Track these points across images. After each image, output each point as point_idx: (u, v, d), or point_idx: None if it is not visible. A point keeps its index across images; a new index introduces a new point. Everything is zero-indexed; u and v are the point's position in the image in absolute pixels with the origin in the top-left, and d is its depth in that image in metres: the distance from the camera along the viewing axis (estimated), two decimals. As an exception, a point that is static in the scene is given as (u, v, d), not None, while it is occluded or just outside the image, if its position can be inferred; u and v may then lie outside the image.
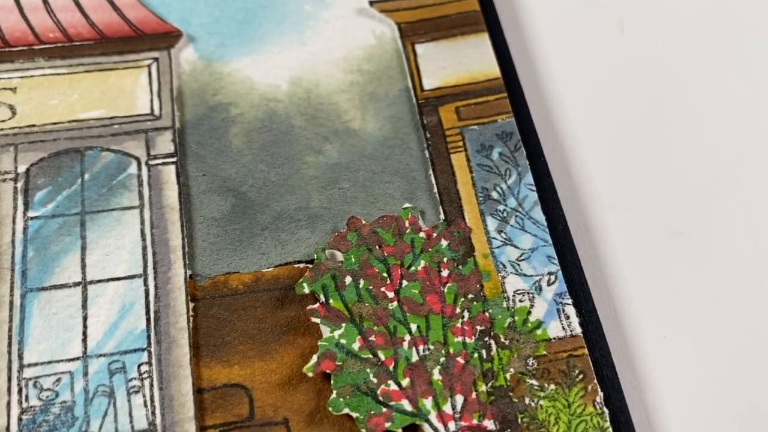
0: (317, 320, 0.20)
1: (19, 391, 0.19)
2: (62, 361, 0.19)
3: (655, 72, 0.26)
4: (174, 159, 0.22)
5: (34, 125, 0.22)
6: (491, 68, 0.24)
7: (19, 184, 0.21)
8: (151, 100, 0.23)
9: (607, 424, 0.19)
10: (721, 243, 0.22)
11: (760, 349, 0.20)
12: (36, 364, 0.19)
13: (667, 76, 0.26)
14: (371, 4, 0.25)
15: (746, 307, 0.21)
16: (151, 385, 0.19)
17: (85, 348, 0.19)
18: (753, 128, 0.24)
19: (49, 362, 0.19)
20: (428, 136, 0.23)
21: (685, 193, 0.23)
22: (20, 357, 0.19)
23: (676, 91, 0.25)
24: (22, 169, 0.21)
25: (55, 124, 0.22)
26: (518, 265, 0.21)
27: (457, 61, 0.24)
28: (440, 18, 0.25)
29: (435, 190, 0.22)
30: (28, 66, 0.23)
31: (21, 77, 0.23)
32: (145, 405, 0.19)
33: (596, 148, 0.23)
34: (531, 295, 0.21)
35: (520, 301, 0.21)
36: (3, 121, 0.22)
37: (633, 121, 0.24)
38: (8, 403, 0.18)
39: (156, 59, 0.23)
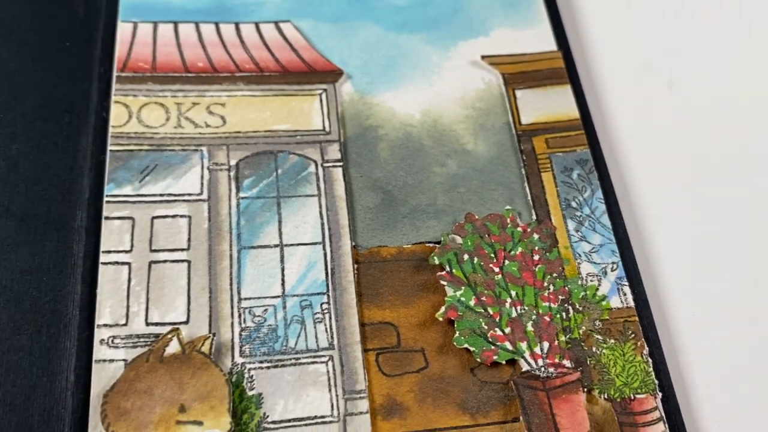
0: (444, 283, 0.28)
1: (239, 316, 0.26)
2: (268, 297, 0.27)
3: (696, 118, 0.33)
4: (340, 164, 0.30)
5: (239, 132, 0.30)
6: (572, 111, 0.32)
7: (232, 174, 0.29)
8: (323, 120, 0.31)
9: (650, 369, 0.26)
10: (741, 251, 0.29)
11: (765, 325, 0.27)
12: (249, 299, 0.27)
13: (705, 121, 0.33)
14: (482, 57, 0.33)
15: (756, 298, 0.28)
16: (330, 318, 0.27)
17: (283, 290, 0.27)
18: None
19: (259, 298, 0.27)
20: (524, 158, 0.31)
21: (718, 210, 0.30)
22: (238, 293, 0.27)
23: (712, 133, 0.33)
24: (233, 162, 0.29)
25: (255, 132, 0.30)
26: (590, 255, 0.29)
27: (547, 105, 0.32)
28: (535, 71, 0.33)
29: (529, 198, 0.30)
30: (232, 88, 0.31)
31: (228, 96, 0.31)
32: (326, 331, 0.26)
33: (648, 174, 0.31)
34: (598, 277, 0.28)
35: (591, 280, 0.28)
36: (217, 127, 0.30)
37: (678, 154, 0.32)
38: (231, 324, 0.26)
39: (325, 90, 0.32)
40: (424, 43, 0.33)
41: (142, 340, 0.26)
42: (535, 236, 0.29)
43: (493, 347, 0.26)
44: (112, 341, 0.25)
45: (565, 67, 0.33)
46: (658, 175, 0.31)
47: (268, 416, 0.25)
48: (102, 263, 0.26)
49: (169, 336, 0.25)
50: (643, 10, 0.35)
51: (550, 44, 0.33)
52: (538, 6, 0.34)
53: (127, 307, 0.26)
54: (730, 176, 0.32)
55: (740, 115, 0.34)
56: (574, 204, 0.30)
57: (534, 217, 0.29)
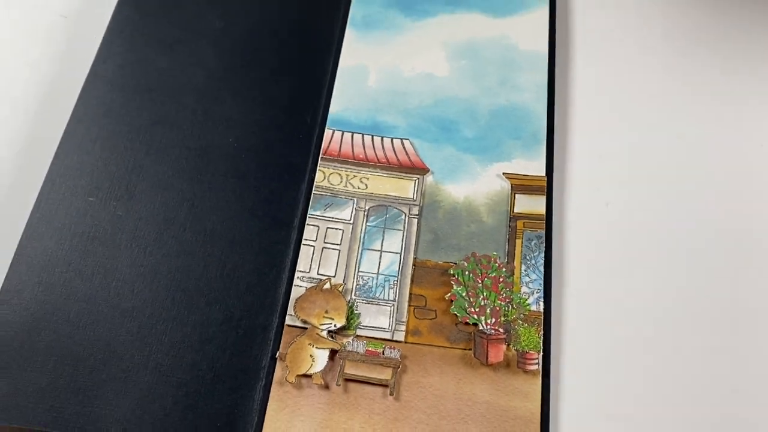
0: (453, 283, 0.57)
1: (356, 279, 0.58)
2: (370, 273, 0.58)
3: (621, 227, 0.61)
4: (417, 217, 0.61)
5: (373, 193, 0.62)
6: (542, 210, 0.60)
7: (365, 213, 0.61)
8: (414, 193, 0.62)
9: (540, 341, 0.55)
10: (608, 300, 0.57)
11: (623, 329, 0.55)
12: (363, 272, 0.58)
13: (628, 230, 0.61)
14: (503, 173, 0.63)
15: (605, 320, 0.56)
16: (396, 287, 0.57)
17: (378, 270, 0.58)
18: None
19: (367, 272, 0.58)
20: (510, 230, 0.60)
21: (611, 281, 0.58)
22: (358, 268, 0.58)
23: (628, 236, 0.60)
24: (367, 207, 0.61)
25: (379, 194, 0.62)
26: (528, 284, 0.57)
27: (530, 205, 0.60)
28: (529, 185, 0.61)
29: (507, 251, 0.59)
30: (372, 170, 0.63)
31: (371, 174, 0.63)
32: (393, 293, 0.57)
33: (573, 251, 0.59)
34: (529, 294, 0.57)
35: (524, 295, 0.57)
36: (363, 190, 0.62)
37: (598, 245, 0.60)
38: (353, 281, 0.58)
39: (418, 178, 0.63)
40: (475, 161, 0.63)
41: (314, 280, 0.58)
42: (503, 269, 0.58)
43: (468, 316, 0.56)
44: (302, 279, 0.58)
45: (545, 186, 0.62)
46: (579, 254, 0.59)
47: (361, 322, 0.56)
48: (303, 245, 0.59)
49: (326, 280, 0.57)
50: (598, 159, 0.64)
51: (542, 172, 0.62)
52: (542, 151, 0.63)
53: (310, 264, 0.58)
54: (625, 260, 0.59)
55: (645, 229, 0.61)
56: (528, 257, 0.59)
57: (506, 260, 0.59)
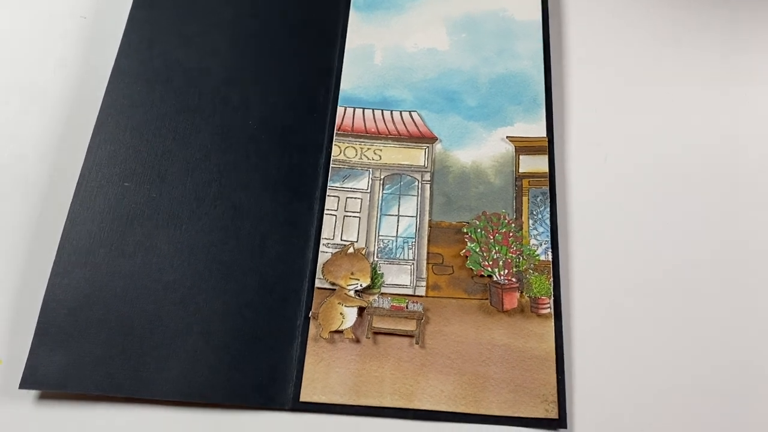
0: (467, 240, 0.62)
1: (377, 242, 0.63)
2: (390, 236, 0.63)
3: (620, 177, 0.65)
4: (429, 182, 0.65)
5: (387, 163, 0.66)
6: (545, 168, 0.65)
7: (381, 182, 0.65)
8: (425, 161, 0.66)
9: (551, 287, 0.59)
10: (607, 247, 0.61)
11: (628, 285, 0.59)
12: (383, 235, 0.63)
13: (626, 179, 0.65)
14: (507, 137, 0.67)
15: (608, 263, 0.60)
16: (414, 248, 0.62)
17: (397, 233, 0.63)
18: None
19: (386, 235, 0.63)
20: (516, 189, 0.64)
21: (611, 228, 0.62)
22: (378, 232, 0.63)
23: (624, 187, 0.65)
24: (382, 176, 0.66)
25: (393, 164, 0.66)
26: (536, 236, 0.62)
27: (533, 164, 0.65)
28: (531, 146, 0.66)
29: (514, 207, 0.63)
30: (385, 142, 0.67)
31: (383, 146, 0.67)
32: (412, 252, 0.62)
33: (576, 203, 0.63)
34: (537, 246, 0.61)
35: (533, 247, 0.61)
36: (377, 161, 0.66)
37: (597, 197, 0.64)
38: (375, 244, 0.62)
39: (428, 146, 0.67)
40: (480, 127, 0.68)
41: (338, 245, 0.62)
42: (513, 225, 0.63)
43: (482, 269, 0.61)
44: (327, 245, 0.62)
45: (547, 146, 0.66)
46: (582, 205, 0.64)
47: (384, 281, 0.61)
48: (325, 214, 0.64)
49: (349, 245, 0.62)
50: (596, 116, 0.68)
51: (542, 133, 0.67)
52: (542, 114, 0.68)
53: (334, 231, 0.63)
54: (625, 208, 0.64)
55: (642, 177, 0.65)
56: (534, 212, 0.63)
57: (515, 216, 0.63)
